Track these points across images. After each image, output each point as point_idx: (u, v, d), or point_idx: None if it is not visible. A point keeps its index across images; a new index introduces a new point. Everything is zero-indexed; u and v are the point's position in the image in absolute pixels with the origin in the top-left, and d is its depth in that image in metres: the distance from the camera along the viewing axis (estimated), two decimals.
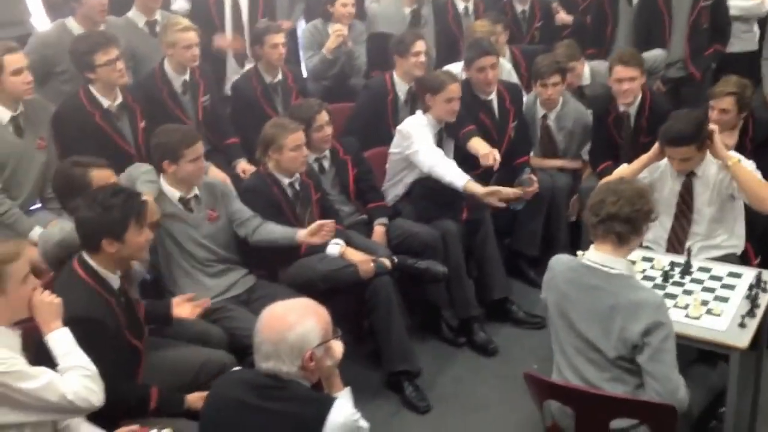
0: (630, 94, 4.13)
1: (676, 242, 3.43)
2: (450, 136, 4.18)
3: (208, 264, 3.32)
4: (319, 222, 3.40)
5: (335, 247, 3.49)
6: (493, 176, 4.16)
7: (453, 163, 3.92)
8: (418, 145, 3.95)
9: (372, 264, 3.46)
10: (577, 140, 4.56)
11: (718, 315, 2.84)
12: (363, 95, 4.55)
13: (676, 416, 2.43)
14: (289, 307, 2.16)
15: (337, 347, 2.20)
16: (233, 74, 4.81)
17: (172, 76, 4.13)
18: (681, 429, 2.63)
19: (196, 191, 3.33)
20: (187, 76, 4.17)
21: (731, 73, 4.10)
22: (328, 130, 3.81)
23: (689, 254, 3.19)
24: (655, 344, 2.42)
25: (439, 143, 4.09)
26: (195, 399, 2.65)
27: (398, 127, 4.10)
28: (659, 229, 3.45)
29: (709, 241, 3.40)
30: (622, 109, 4.20)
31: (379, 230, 3.89)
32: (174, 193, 3.28)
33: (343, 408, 2.08)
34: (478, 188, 3.82)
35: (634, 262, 3.18)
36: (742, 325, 2.76)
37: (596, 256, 2.57)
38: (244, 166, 4.20)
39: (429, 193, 4.05)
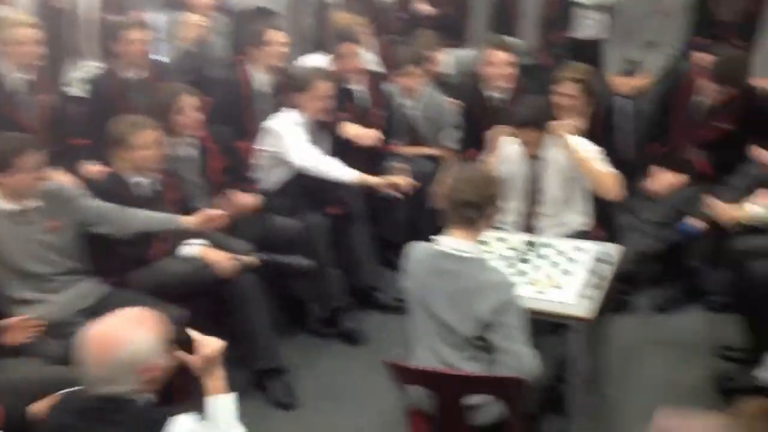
0: (511, 78, 4.22)
1: (527, 222, 3.57)
2: (324, 129, 4.17)
3: (50, 279, 3.11)
4: (207, 212, 3.32)
5: (192, 248, 3.40)
6: (377, 163, 4.21)
7: (334, 160, 3.90)
8: (291, 145, 3.91)
9: (233, 262, 3.39)
10: (439, 128, 4.65)
11: (565, 288, 2.97)
12: (218, 88, 4.47)
13: (524, 388, 2.52)
14: (113, 323, 2.03)
15: (210, 343, 2.12)
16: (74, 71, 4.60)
17: (6, 74, 3.88)
18: (531, 396, 2.73)
19: (37, 202, 3.12)
20: (30, 76, 3.95)
21: (582, 59, 4.29)
22: (192, 115, 3.68)
23: (538, 233, 3.33)
24: (505, 322, 2.51)
25: (316, 139, 4.05)
26: (40, 407, 2.52)
27: (267, 125, 4.01)
28: (513, 210, 3.56)
29: (558, 219, 3.56)
30: (495, 95, 4.29)
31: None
32: (4, 206, 3.05)
33: (180, 428, 1.98)
34: (371, 179, 3.85)
35: (487, 243, 3.31)
36: (586, 297, 2.90)
37: (450, 241, 2.63)
38: (88, 168, 4.00)
39: (299, 188, 4.02)
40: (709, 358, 3.53)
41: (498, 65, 4.21)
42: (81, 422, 2.00)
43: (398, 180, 3.92)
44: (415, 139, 4.65)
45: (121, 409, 1.98)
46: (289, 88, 4.08)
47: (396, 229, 4.47)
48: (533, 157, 3.48)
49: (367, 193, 4.21)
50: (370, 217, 4.35)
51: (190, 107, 3.67)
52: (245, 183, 3.96)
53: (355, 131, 4.10)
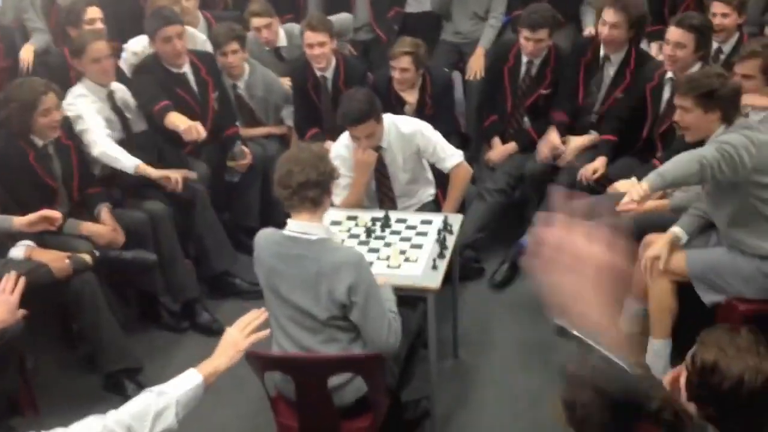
0: (322, 59, 4.22)
1: (384, 201, 3.62)
2: (145, 115, 3.99)
3: None
4: (42, 212, 3.12)
5: (20, 249, 3.19)
6: (228, 148, 4.11)
7: (118, 147, 3.73)
8: (88, 123, 3.69)
9: (68, 261, 3.21)
10: (273, 107, 4.58)
11: (415, 261, 3.05)
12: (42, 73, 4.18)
13: (383, 363, 2.58)
14: None
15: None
16: None
17: None
18: (391, 369, 2.82)
19: None
20: None
21: (412, 32, 4.38)
22: (57, 116, 3.41)
23: (390, 209, 3.40)
24: (361, 300, 2.54)
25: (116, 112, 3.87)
26: None
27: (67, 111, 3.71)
28: (371, 194, 3.60)
29: (408, 196, 3.65)
30: (319, 74, 4.29)
31: (104, 216, 3.62)
32: None
33: None
34: (151, 171, 3.69)
35: (339, 222, 3.33)
36: (434, 267, 2.99)
37: (296, 225, 2.61)
38: None
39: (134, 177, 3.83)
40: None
41: (312, 46, 4.18)
42: None
43: (172, 174, 3.75)
44: (253, 120, 4.55)
45: None
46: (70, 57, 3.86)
47: (248, 213, 4.39)
48: (375, 149, 3.49)
49: (216, 176, 4.13)
50: (224, 202, 4.26)
51: (55, 107, 3.42)
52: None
53: (176, 123, 3.86)
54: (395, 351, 2.68)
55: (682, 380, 1.86)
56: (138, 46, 4.28)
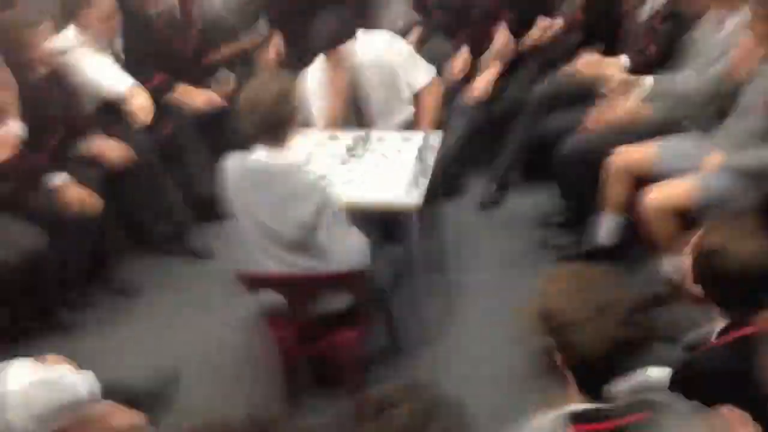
0: None
1: (362, 122, 3.63)
2: None
3: None
4: None
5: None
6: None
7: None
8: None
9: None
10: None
11: (396, 180, 3.11)
12: None
13: (364, 278, 2.68)
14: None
15: None
16: None
17: None
18: (378, 295, 2.94)
19: None
20: None
21: None
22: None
23: (369, 129, 3.44)
24: (326, 221, 2.61)
25: None
26: None
27: None
28: (351, 115, 3.60)
29: (386, 115, 3.65)
30: None
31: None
32: None
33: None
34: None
35: (319, 143, 3.37)
36: (415, 185, 3.06)
37: (260, 153, 2.66)
38: None
39: None
40: (537, 230, 3.83)
41: None
42: None
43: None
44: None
45: None
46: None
47: (232, 135, 4.36)
48: (349, 67, 3.49)
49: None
50: (210, 126, 4.27)
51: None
52: None
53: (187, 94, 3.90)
54: (369, 264, 2.74)
55: (688, 264, 1.93)
56: None
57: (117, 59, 3.89)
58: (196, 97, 3.98)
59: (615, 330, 1.42)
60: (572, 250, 3.57)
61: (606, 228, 3.44)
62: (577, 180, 3.52)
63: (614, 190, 3.33)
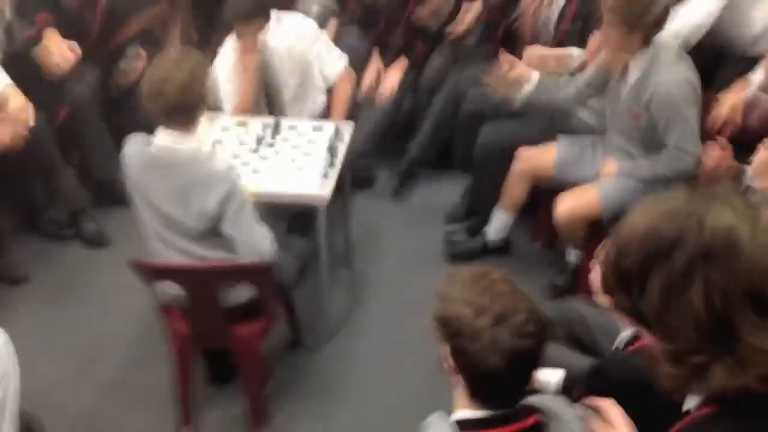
0: None
1: (274, 108, 3.53)
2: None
3: None
4: None
5: None
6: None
7: None
8: None
9: None
10: None
11: (305, 170, 3.03)
12: None
13: (269, 271, 2.60)
14: None
15: None
16: None
17: None
18: (281, 292, 2.87)
19: None
20: None
21: None
22: None
23: (282, 116, 3.34)
24: (232, 212, 2.51)
25: None
26: None
27: None
28: (261, 101, 3.50)
29: (299, 102, 3.57)
30: None
31: None
32: None
33: None
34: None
35: (227, 128, 3.26)
36: (325, 176, 2.99)
37: (165, 136, 2.52)
38: None
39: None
40: (445, 224, 3.83)
41: None
42: None
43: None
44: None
45: None
46: None
47: (137, 118, 4.18)
48: (262, 51, 3.38)
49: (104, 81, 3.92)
50: (112, 106, 4.06)
51: None
52: None
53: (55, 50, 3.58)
54: (272, 256, 2.62)
55: (597, 276, 1.93)
56: None
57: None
58: (56, 54, 3.59)
59: (511, 341, 1.40)
60: (468, 246, 3.63)
61: (497, 224, 3.53)
62: (488, 174, 3.56)
63: (513, 189, 3.43)
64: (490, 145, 3.54)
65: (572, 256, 3.36)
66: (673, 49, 2.96)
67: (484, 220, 3.59)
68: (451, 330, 1.45)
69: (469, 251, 3.61)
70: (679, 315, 1.19)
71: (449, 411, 1.55)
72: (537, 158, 3.34)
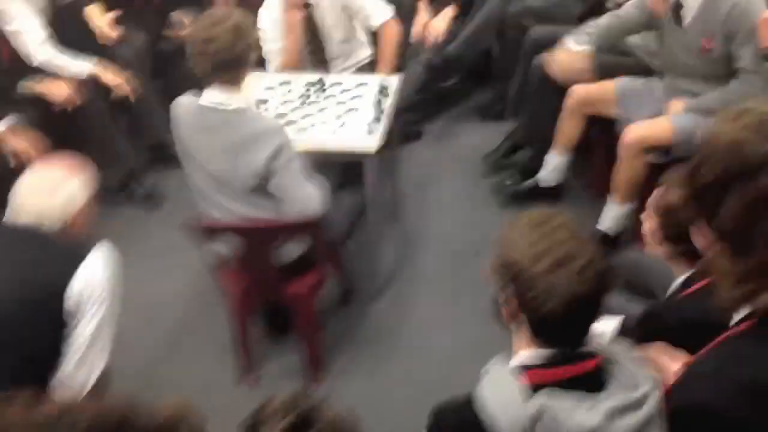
0: None
1: (318, 64, 3.53)
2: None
3: None
4: None
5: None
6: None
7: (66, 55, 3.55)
8: (21, 24, 3.49)
9: None
10: None
11: (352, 125, 3.03)
12: None
13: (320, 226, 2.62)
14: (49, 170, 2.15)
15: None
16: None
17: None
18: (332, 247, 2.90)
19: None
20: None
21: None
22: None
23: (327, 71, 3.34)
24: (280, 169, 2.52)
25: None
26: None
27: None
28: (305, 58, 3.49)
29: (344, 57, 3.56)
30: None
31: None
32: None
33: (94, 265, 2.02)
34: (104, 75, 3.59)
35: (272, 87, 3.27)
36: (371, 131, 2.99)
37: (212, 95, 2.54)
38: None
39: None
40: (496, 172, 3.80)
41: None
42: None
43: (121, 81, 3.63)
44: None
45: (40, 242, 2.05)
46: None
47: (182, 83, 4.24)
48: (304, 5, 3.37)
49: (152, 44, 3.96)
50: (159, 70, 4.11)
51: None
52: None
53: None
54: (323, 210, 2.65)
55: (652, 226, 1.92)
56: None
57: None
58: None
59: (569, 286, 1.39)
60: (519, 188, 3.59)
61: (551, 166, 3.47)
62: (544, 108, 3.49)
63: (567, 127, 3.35)
64: (546, 78, 3.46)
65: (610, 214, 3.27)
66: None
67: (538, 160, 3.53)
68: (510, 275, 1.45)
69: (520, 194, 3.56)
70: (762, 232, 1.18)
71: (505, 357, 1.55)
72: (594, 92, 3.26)
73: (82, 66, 3.58)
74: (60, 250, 2.05)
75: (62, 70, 3.55)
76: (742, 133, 1.21)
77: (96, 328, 2.04)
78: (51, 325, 1.99)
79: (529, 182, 3.57)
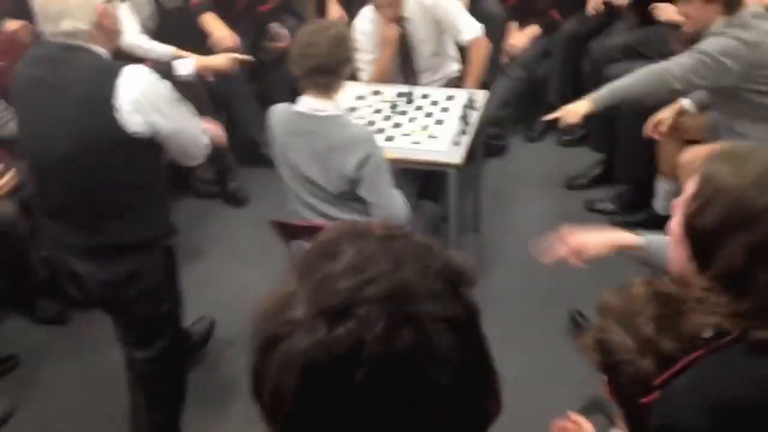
0: None
1: (407, 76, 3.61)
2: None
3: None
4: None
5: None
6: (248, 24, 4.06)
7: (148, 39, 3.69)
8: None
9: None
10: None
11: (437, 137, 3.09)
12: None
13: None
14: None
15: None
16: None
17: None
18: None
19: None
20: None
21: None
22: None
23: (415, 84, 3.41)
24: (369, 175, 2.61)
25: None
26: None
27: None
28: (396, 70, 3.57)
29: (433, 70, 3.63)
30: None
31: None
32: None
33: (136, 74, 2.10)
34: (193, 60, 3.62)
35: (363, 96, 3.36)
36: (456, 143, 3.04)
37: (307, 102, 2.65)
38: None
39: None
40: (577, 192, 3.82)
41: None
42: (42, 71, 2.14)
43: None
44: None
45: (78, 57, 2.11)
46: None
47: (280, 87, 4.37)
48: (398, 19, 3.44)
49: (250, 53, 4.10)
50: (255, 74, 4.26)
51: None
52: None
53: (213, 29, 3.82)
54: (406, 217, 2.71)
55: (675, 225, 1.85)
56: None
57: None
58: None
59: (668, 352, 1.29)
60: (621, 217, 3.50)
61: (663, 194, 3.35)
62: (633, 138, 3.44)
63: (668, 154, 3.25)
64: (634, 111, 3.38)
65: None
66: None
67: (637, 191, 3.51)
68: (607, 359, 1.34)
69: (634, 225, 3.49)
70: (760, 278, 1.21)
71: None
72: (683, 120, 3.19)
73: (167, 49, 3.64)
74: (96, 67, 2.12)
75: (148, 53, 3.63)
76: (741, 183, 1.24)
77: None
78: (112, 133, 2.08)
79: (641, 215, 3.48)
